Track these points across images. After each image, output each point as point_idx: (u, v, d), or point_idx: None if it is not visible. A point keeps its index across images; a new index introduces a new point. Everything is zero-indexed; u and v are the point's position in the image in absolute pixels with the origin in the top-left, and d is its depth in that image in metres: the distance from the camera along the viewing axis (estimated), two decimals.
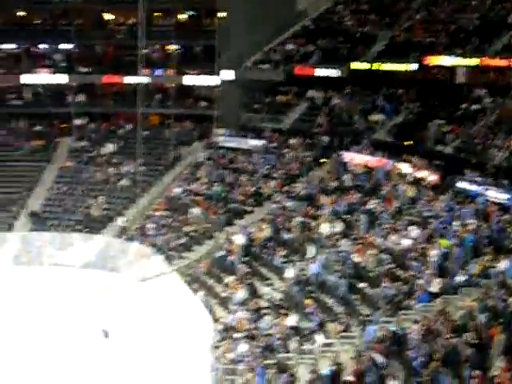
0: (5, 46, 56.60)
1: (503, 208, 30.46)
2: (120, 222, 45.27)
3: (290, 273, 32.80)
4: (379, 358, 22.60)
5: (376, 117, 43.23)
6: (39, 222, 46.25)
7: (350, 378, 22.53)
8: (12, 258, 43.27)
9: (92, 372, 30.11)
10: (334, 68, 45.76)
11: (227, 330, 30.32)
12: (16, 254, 43.54)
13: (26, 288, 40.00)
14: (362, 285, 29.34)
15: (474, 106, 39.65)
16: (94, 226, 45.53)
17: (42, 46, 57.11)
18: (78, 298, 38.52)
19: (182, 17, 57.64)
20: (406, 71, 43.32)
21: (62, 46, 56.54)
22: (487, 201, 31.23)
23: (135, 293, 38.38)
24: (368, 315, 27.34)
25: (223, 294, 34.46)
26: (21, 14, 57.11)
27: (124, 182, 48.68)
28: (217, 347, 29.09)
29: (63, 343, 32.84)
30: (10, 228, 45.71)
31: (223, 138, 48.85)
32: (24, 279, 41.15)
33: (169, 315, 34.46)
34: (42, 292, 39.52)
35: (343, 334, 26.98)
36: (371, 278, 29.26)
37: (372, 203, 34.90)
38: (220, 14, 52.05)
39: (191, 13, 57.62)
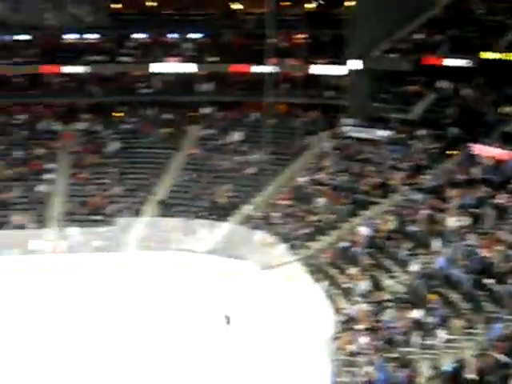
0: (135, 36, 57.80)
1: None
2: (246, 210, 45.55)
3: (414, 266, 32.29)
4: (503, 357, 21.99)
5: (507, 109, 41.88)
6: (166, 208, 47.06)
7: (473, 376, 22.00)
8: (139, 243, 44.29)
9: (214, 356, 30.59)
10: (464, 58, 44.62)
11: (348, 322, 30.16)
12: (143, 239, 44.54)
13: (151, 272, 40.99)
14: (488, 281, 28.55)
15: None
16: (219, 213, 45.96)
17: (171, 36, 57.99)
18: (202, 283, 39.18)
19: (310, 6, 57.46)
20: None
21: (191, 36, 57.33)
22: None
23: (258, 281, 38.68)
24: (493, 312, 26.64)
25: (346, 285, 34.25)
26: (151, 4, 58.14)
27: (250, 171, 48.96)
28: (337, 338, 28.96)
29: (186, 327, 33.46)
30: (137, 213, 46.66)
31: (350, 128, 48.35)
32: (150, 263, 42.16)
33: (290, 304, 34.60)
34: (167, 276, 40.41)
35: (467, 330, 26.40)
36: (498, 274, 28.45)
37: (501, 197, 33.92)
38: (348, 3, 51.66)
39: (319, 2, 57.37)
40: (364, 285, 32.89)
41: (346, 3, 51.73)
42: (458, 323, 26.80)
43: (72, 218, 46.46)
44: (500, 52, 42.95)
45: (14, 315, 35.37)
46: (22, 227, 45.44)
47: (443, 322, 27.24)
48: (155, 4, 57.97)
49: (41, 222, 46.13)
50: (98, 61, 54.90)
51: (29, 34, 56.12)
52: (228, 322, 32.97)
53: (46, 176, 49.79)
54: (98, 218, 46.41)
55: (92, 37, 57.31)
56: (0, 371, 29.47)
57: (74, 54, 55.15)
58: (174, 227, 44.98)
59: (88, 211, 47.11)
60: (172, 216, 45.79)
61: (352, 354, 27.37)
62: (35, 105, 55.58)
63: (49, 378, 29.10)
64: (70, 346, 31.91)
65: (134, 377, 29.12)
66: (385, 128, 46.17)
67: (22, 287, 39.08)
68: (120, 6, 58.20)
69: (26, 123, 54.61)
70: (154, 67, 54.79)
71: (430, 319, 27.76)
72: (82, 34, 56.91)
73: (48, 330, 33.54)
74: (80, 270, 41.85)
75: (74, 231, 45.09)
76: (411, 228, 35.66)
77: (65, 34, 56.81)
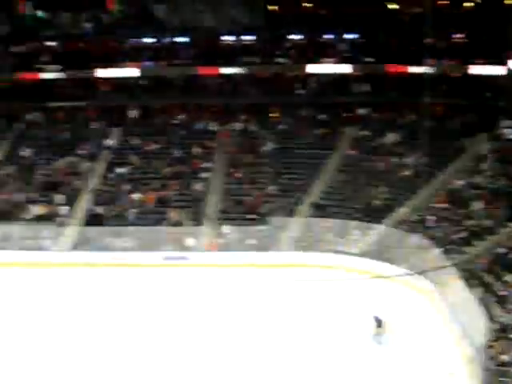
0: (291, 37, 57.95)
1: None
2: (400, 212, 44.98)
3: None
4: None
5: None
6: (320, 208, 47.04)
7: None
8: (292, 243, 44.55)
9: (363, 357, 30.45)
10: None
11: (503, 330, 29.34)
12: (296, 239, 44.77)
13: (303, 272, 41.18)
14: None
15: None
16: (373, 215, 45.55)
17: (327, 36, 57.84)
18: (354, 285, 38.97)
19: (469, 5, 56.02)
20: None
21: (347, 36, 57.01)
22: None
23: (411, 285, 38.22)
24: None
25: (502, 293, 33.32)
26: (307, 4, 58.18)
27: (406, 173, 48.31)
28: (490, 347, 28.20)
29: (336, 328, 33.42)
30: (291, 213, 46.87)
31: (509, 130, 46.94)
32: (302, 263, 42.44)
33: (443, 309, 34.05)
34: (319, 277, 40.42)
35: None
36: None
37: None
38: (509, 1, 50.08)
39: (478, 0, 55.87)
40: None
41: (507, 1, 50.11)
42: None
43: (227, 216, 47.32)
44: None
45: (166, 309, 36.59)
46: (178, 224, 46.68)
47: None
48: (311, 5, 57.95)
49: (196, 220, 47.19)
50: (253, 62, 55.62)
51: (187, 35, 57.42)
52: (379, 326, 32.69)
53: (203, 175, 50.93)
54: (253, 216, 46.98)
55: (248, 38, 57.99)
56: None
57: (231, 55, 56.06)
58: (328, 228, 44.94)
59: (243, 210, 47.82)
60: (326, 217, 45.73)
61: (505, 364, 26.62)
62: (193, 105, 56.87)
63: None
64: (217, 339, 32.63)
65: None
66: None
67: (176, 282, 40.00)
68: (276, 7, 58.53)
69: (184, 123, 56.08)
70: (310, 68, 54.84)
71: None
72: (238, 35, 57.72)
73: (197, 323, 34.42)
74: (233, 268, 42.61)
75: (229, 229, 45.87)
76: None
77: (222, 35, 57.77)
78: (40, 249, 46.09)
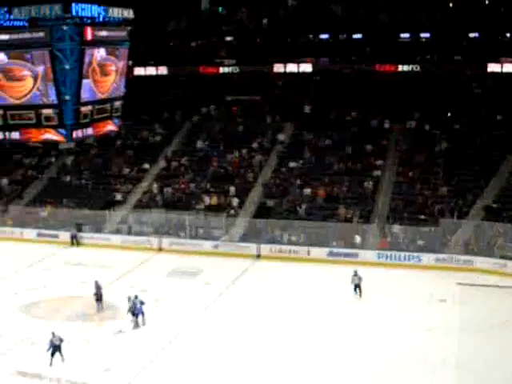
0: (470, 35, 56.73)
1: None
2: None
3: None
4: None
5: None
6: (493, 212, 45.81)
7: None
8: (462, 246, 43.71)
9: None
10: None
11: None
12: (466, 242, 43.86)
13: (472, 276, 40.26)
14: None
15: None
16: None
17: (507, 35, 56.10)
18: None
19: None
20: None
21: None
22: None
23: None
24: None
25: None
26: (486, 2, 56.71)
27: None
28: None
29: (495, 336, 32.41)
30: (462, 215, 45.89)
31: None
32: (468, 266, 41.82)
33: None
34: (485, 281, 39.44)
35: None
36: None
37: None
38: None
39: None
40: None
41: None
42: None
43: (396, 215, 46.89)
44: None
45: (328, 305, 36.63)
46: (348, 221, 46.80)
47: None
48: (489, 2, 56.39)
49: (366, 218, 47.08)
50: (430, 60, 54.70)
51: (363, 32, 57.23)
52: None
53: (375, 173, 50.70)
54: (422, 217, 46.36)
55: (425, 35, 57.10)
56: None
57: (407, 52, 55.42)
58: (500, 233, 43.72)
59: (413, 210, 47.25)
60: (498, 221, 44.48)
61: None
62: (367, 102, 56.67)
63: None
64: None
65: None
66: None
67: (341, 279, 39.62)
68: (453, 4, 57.31)
69: (357, 120, 56.10)
70: (491, 67, 53.25)
71: None
72: (415, 32, 56.94)
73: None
74: (399, 269, 42.48)
75: (398, 229, 45.51)
76: None
77: (398, 32, 57.19)
78: (210, 238, 47.42)
